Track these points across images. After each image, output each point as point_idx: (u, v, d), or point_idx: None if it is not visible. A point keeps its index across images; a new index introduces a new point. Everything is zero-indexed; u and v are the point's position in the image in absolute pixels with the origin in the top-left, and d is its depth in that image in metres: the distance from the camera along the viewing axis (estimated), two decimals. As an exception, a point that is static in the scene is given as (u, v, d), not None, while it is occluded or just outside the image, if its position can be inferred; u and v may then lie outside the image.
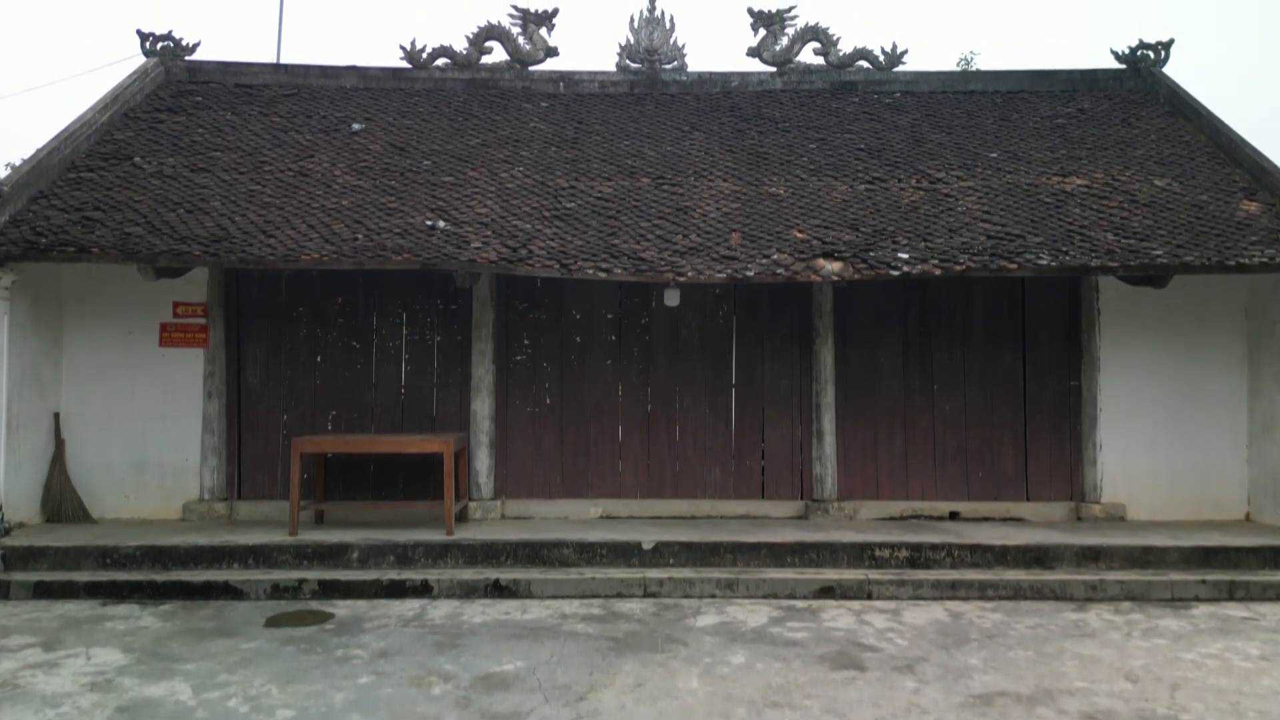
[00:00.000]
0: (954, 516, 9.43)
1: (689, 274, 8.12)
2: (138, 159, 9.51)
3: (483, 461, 9.35)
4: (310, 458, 9.00)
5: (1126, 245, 8.34)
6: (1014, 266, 8.14)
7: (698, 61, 12.09)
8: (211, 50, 11.81)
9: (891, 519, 9.38)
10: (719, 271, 8.13)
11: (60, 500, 9.05)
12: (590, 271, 8.13)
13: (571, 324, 9.68)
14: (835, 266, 8.16)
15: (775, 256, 8.29)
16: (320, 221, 8.62)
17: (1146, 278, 8.60)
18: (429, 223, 8.63)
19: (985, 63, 23.62)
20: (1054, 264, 8.13)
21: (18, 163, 21.26)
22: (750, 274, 8.10)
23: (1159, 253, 8.22)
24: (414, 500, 9.19)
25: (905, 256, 8.21)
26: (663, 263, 8.22)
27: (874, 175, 9.67)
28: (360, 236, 8.41)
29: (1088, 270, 8.29)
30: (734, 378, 9.70)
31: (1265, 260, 8.08)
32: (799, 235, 8.59)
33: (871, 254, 8.28)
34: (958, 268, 8.12)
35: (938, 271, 8.11)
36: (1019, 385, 9.62)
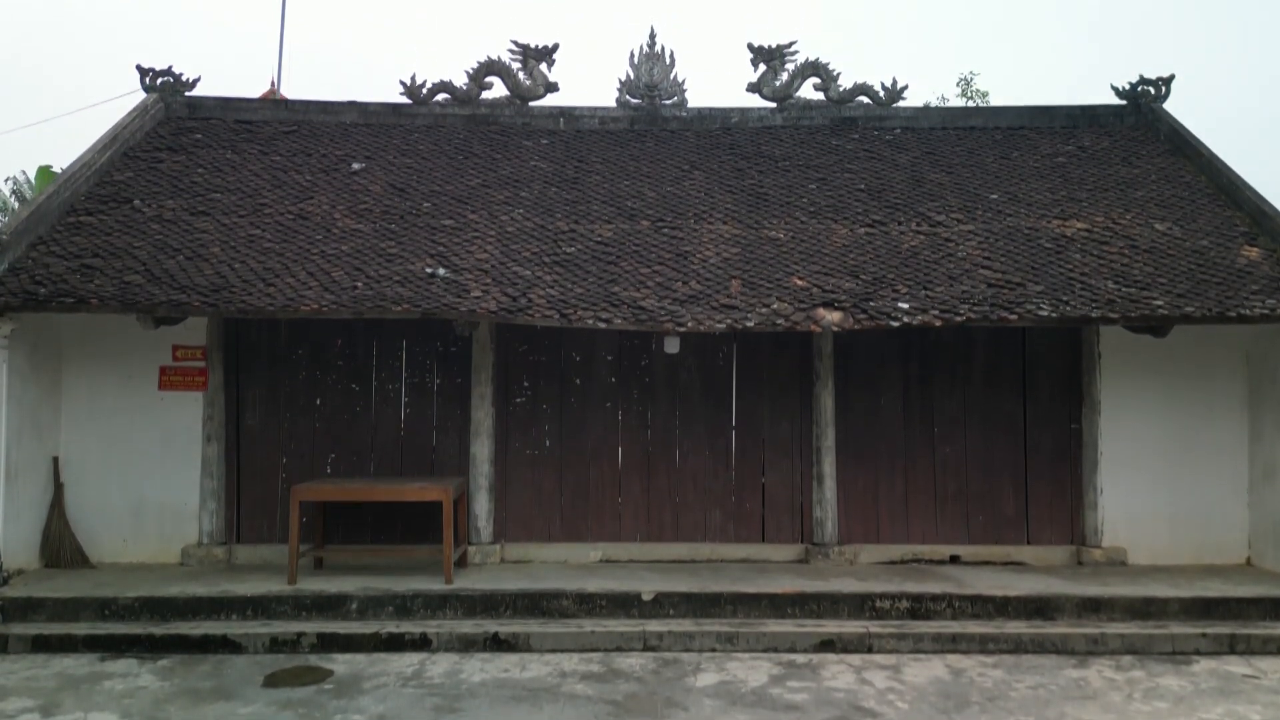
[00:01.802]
0: (954, 560, 9.42)
1: (689, 324, 8.11)
2: (137, 202, 9.50)
3: (482, 505, 9.34)
4: (310, 502, 8.97)
5: (1127, 295, 8.33)
6: (1014, 318, 8.13)
7: (698, 97, 12.08)
8: (211, 85, 11.73)
9: (892, 562, 9.37)
10: (719, 321, 8.12)
11: (59, 545, 9.03)
12: (590, 321, 8.13)
13: (571, 366, 9.67)
14: (835, 316, 8.15)
15: (775, 306, 8.28)
16: (319, 268, 8.61)
17: (1147, 327, 8.57)
18: (429, 270, 8.62)
19: (985, 84, 23.67)
20: (1054, 315, 8.12)
21: (17, 174, 21.23)
22: (750, 324, 8.09)
23: (1159, 303, 8.21)
24: (414, 544, 9.18)
25: (905, 306, 8.20)
26: (662, 312, 8.21)
27: (874, 218, 9.67)
28: (359, 285, 8.40)
29: (1088, 321, 8.28)
30: (734, 420, 9.69)
31: (1266, 311, 8.07)
32: (799, 283, 8.58)
33: (871, 304, 8.27)
34: (958, 319, 8.11)
35: (938, 323, 8.10)
36: (1019, 428, 9.60)
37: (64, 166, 17.58)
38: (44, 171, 18.11)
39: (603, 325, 8.14)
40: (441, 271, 8.61)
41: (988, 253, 9.05)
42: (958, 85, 22.40)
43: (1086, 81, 39.56)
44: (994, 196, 10.02)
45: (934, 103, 21.96)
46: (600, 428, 9.65)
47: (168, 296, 8.14)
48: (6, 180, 22.74)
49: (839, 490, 9.44)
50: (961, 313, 8.15)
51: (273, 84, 18.82)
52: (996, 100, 21.64)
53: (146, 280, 8.32)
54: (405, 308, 8.15)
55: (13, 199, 20.58)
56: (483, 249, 9.04)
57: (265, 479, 9.48)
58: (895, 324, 8.08)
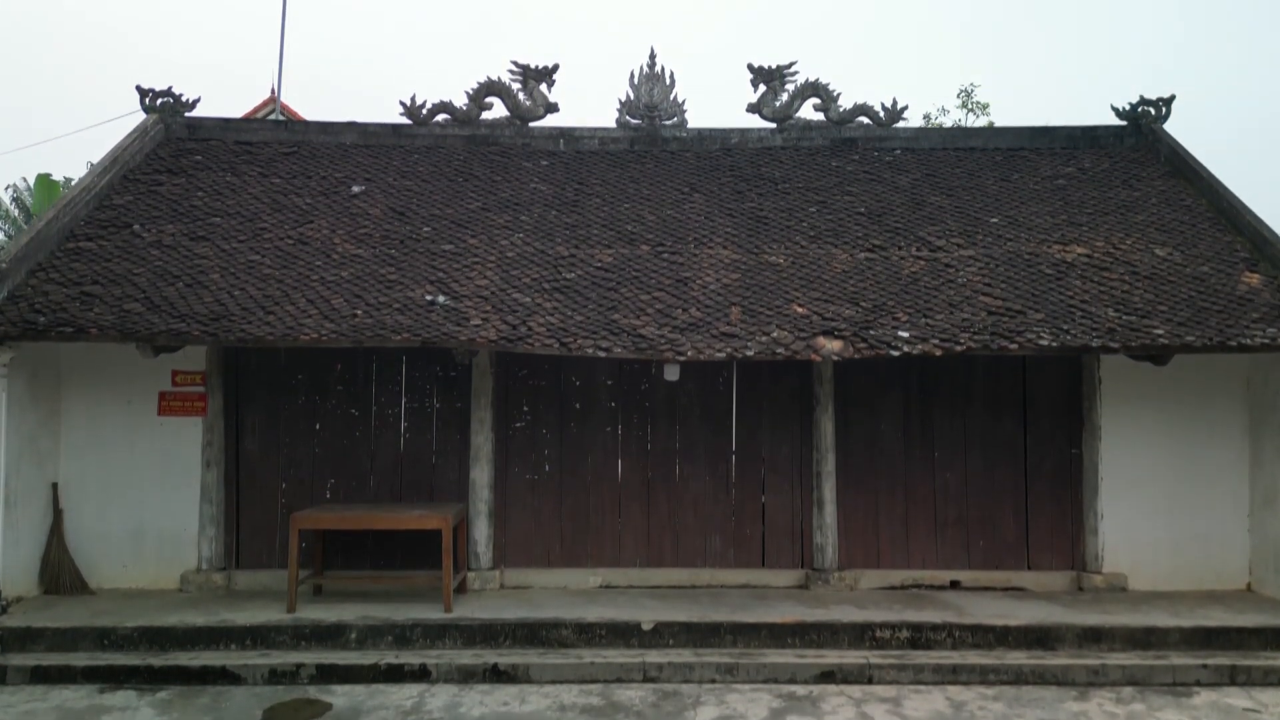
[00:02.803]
0: (955, 586, 9.40)
1: (689, 353, 8.09)
2: (136, 227, 9.49)
3: (481, 531, 9.33)
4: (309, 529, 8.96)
5: (1127, 323, 8.31)
6: (1014, 347, 8.12)
7: (698, 117, 12.07)
8: (211, 92, 11.71)
9: (893, 588, 9.36)
10: (719, 350, 8.11)
11: (58, 571, 9.02)
12: (590, 350, 8.12)
13: (571, 391, 9.66)
14: (835, 345, 8.14)
15: (775, 334, 8.27)
16: (319, 295, 8.60)
17: (1148, 354, 8.56)
18: (429, 297, 8.61)
19: (985, 96, 23.62)
20: (1054, 344, 8.10)
21: (18, 181, 21.22)
22: (750, 353, 8.08)
23: (1160, 332, 8.20)
24: (413, 570, 9.17)
25: (905, 335, 8.19)
26: (662, 340, 8.20)
27: (874, 242, 9.65)
28: (359, 312, 8.39)
29: (1088, 350, 8.27)
30: (734, 445, 9.67)
31: (1267, 341, 8.06)
32: (799, 310, 8.57)
33: (871, 332, 8.26)
34: (958, 348, 8.10)
35: (938, 352, 8.09)
36: (1020, 453, 9.59)
37: (63, 175, 17.57)
38: (43, 180, 18.14)
39: (603, 354, 8.13)
40: (441, 299, 8.60)
41: (988, 279, 9.04)
42: (958, 97, 22.42)
43: (1087, 98, 39.62)
44: (994, 220, 10.01)
45: (934, 114, 22.04)
46: (600, 453, 9.64)
47: (167, 325, 8.13)
48: (7, 188, 22.74)
49: (839, 515, 9.43)
50: (962, 342, 8.14)
51: (273, 91, 18.88)
52: (996, 113, 21.76)
53: (146, 308, 8.31)
54: (405, 337, 8.14)
55: (13, 206, 20.60)
56: (482, 275, 9.03)
57: (265, 504, 9.46)
58: (895, 353, 8.07)
